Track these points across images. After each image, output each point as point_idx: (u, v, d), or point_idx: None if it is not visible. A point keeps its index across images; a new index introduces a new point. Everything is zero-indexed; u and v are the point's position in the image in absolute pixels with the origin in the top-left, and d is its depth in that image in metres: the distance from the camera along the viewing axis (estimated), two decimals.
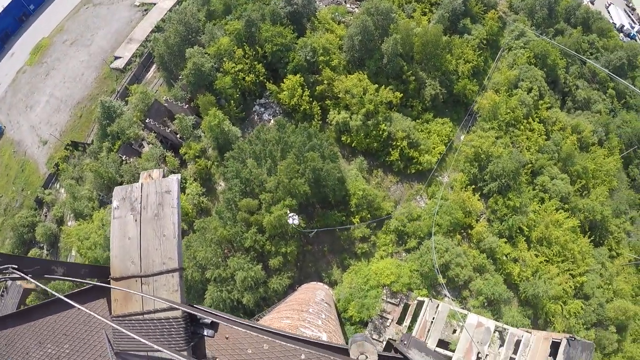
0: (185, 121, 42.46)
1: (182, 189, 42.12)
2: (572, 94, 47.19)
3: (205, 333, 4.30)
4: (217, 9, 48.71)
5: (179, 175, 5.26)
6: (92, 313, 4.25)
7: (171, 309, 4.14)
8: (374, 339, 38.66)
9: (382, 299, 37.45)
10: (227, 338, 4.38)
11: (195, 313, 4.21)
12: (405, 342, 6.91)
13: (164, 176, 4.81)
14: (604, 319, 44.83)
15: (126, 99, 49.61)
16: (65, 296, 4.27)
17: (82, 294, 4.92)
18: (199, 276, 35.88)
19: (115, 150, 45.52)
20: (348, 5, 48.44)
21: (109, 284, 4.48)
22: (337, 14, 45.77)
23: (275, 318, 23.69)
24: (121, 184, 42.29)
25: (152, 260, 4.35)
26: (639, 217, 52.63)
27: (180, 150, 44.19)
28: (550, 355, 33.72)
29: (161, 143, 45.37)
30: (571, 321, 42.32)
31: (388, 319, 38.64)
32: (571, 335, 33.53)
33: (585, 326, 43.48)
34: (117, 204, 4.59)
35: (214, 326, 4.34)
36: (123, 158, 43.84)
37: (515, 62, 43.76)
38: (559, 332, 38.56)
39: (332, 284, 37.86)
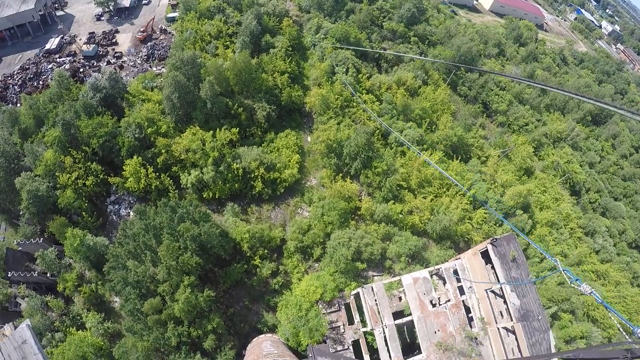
0: (48, 255, 37.70)
1: (81, 326, 37.35)
2: (383, 56, 53.47)
3: None
4: (28, 125, 44.17)
5: (27, 321, 4.61)
6: None
7: None
8: (339, 350, 38.35)
9: (323, 313, 37.38)
10: None
11: None
12: (310, 356, 6.30)
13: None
14: (508, 209, 51.34)
15: None
16: None
17: None
18: None
19: None
20: (155, 69, 47.95)
21: None
22: (146, 81, 44.99)
23: None
24: None
25: None
26: (486, 120, 61.93)
27: (57, 288, 39.16)
28: (487, 264, 37.19)
29: (36, 291, 39.67)
30: (484, 228, 47.42)
31: (339, 326, 38.70)
32: (492, 238, 37.40)
33: (498, 224, 49.16)
34: None
35: None
36: (4, 327, 37.33)
37: (323, 53, 47.95)
38: (480, 243, 42.32)
39: (273, 329, 36.60)
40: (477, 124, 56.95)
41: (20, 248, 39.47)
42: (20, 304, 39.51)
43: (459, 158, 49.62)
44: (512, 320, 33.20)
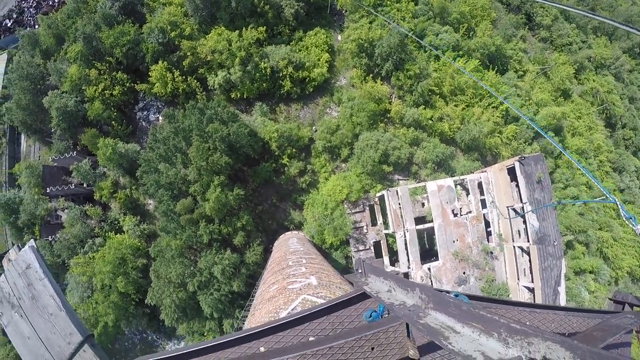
0: (82, 167, 39.70)
1: (119, 230, 40.21)
2: None
3: None
4: (49, 45, 44.34)
5: (31, 242, 4.69)
6: None
7: None
8: (360, 250, 39.98)
9: (348, 213, 38.49)
10: None
11: None
12: (360, 272, 5.98)
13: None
14: (540, 129, 48.96)
15: (16, 183, 45.46)
16: None
17: None
18: (185, 295, 35.09)
19: (37, 238, 42.24)
20: None
21: None
22: None
23: (264, 290, 23.78)
24: (63, 264, 39.38)
25: (58, 346, 3.98)
26: (528, 33, 56.77)
27: (94, 197, 41.72)
28: (512, 181, 36.65)
29: (74, 202, 42.41)
30: (513, 144, 45.87)
31: (362, 226, 39.97)
32: (520, 156, 36.37)
33: (527, 143, 47.45)
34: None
35: None
36: (49, 239, 40.91)
37: None
38: (508, 158, 41.31)
39: (299, 227, 38.28)
40: (517, 36, 52.43)
41: (55, 164, 41.39)
42: (61, 216, 42.31)
43: (495, 69, 46.49)
44: (528, 241, 33.09)
